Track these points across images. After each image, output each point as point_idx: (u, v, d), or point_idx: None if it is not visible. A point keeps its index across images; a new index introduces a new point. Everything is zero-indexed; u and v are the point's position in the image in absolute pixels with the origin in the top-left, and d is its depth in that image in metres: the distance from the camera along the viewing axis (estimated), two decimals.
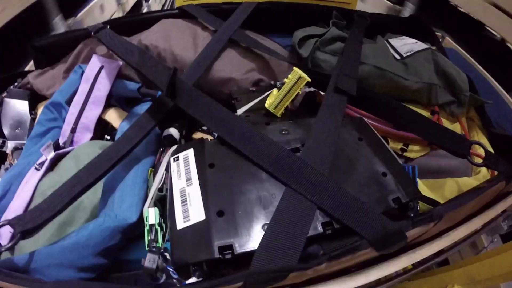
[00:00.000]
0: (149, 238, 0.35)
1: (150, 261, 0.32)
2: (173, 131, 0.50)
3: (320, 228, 0.34)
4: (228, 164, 0.39)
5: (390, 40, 0.65)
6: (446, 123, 0.58)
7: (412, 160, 0.55)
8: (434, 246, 0.39)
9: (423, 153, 0.55)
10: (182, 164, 0.40)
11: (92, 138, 0.53)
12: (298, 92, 0.47)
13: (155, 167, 0.45)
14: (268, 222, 0.34)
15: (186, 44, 0.60)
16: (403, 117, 0.50)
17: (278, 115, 0.49)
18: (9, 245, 0.33)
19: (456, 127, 0.58)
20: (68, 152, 0.49)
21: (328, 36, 0.62)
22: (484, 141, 0.57)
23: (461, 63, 0.71)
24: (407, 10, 0.98)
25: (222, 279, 0.30)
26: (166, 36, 0.60)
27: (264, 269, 0.31)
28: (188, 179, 0.38)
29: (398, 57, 0.60)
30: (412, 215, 0.38)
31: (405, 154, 0.54)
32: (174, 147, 0.44)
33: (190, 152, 0.41)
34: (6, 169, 0.54)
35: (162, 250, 0.34)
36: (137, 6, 1.45)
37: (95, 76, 0.55)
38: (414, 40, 0.65)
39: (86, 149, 0.48)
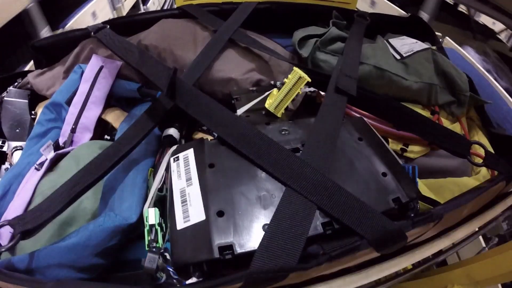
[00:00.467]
0: (149, 238, 0.35)
1: (150, 261, 0.32)
2: (173, 131, 0.50)
3: (320, 228, 0.34)
4: (228, 164, 0.39)
5: (390, 40, 0.65)
6: (446, 123, 0.58)
7: (412, 160, 0.55)
8: (434, 246, 0.39)
9: (423, 153, 0.55)
10: (182, 164, 0.40)
11: (92, 138, 0.53)
12: (298, 92, 0.47)
13: (155, 167, 0.45)
14: (268, 222, 0.34)
15: (186, 44, 0.60)
16: (403, 117, 0.50)
17: (278, 115, 0.49)
18: (9, 245, 0.33)
19: (456, 127, 0.58)
20: (68, 152, 0.49)
21: (328, 36, 0.62)
22: (484, 141, 0.57)
23: (461, 63, 0.71)
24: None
25: (222, 279, 0.30)
26: (166, 36, 0.60)
27: (264, 269, 0.31)
28: (188, 179, 0.38)
29: (398, 57, 0.60)
30: (412, 215, 0.38)
31: (405, 154, 0.54)
32: (174, 147, 0.44)
33: (190, 152, 0.41)
34: (6, 169, 0.54)
35: (162, 250, 0.34)
36: (135, 10, 1.44)
37: (95, 76, 0.55)
38: (414, 40, 0.65)
39: (86, 149, 0.48)
